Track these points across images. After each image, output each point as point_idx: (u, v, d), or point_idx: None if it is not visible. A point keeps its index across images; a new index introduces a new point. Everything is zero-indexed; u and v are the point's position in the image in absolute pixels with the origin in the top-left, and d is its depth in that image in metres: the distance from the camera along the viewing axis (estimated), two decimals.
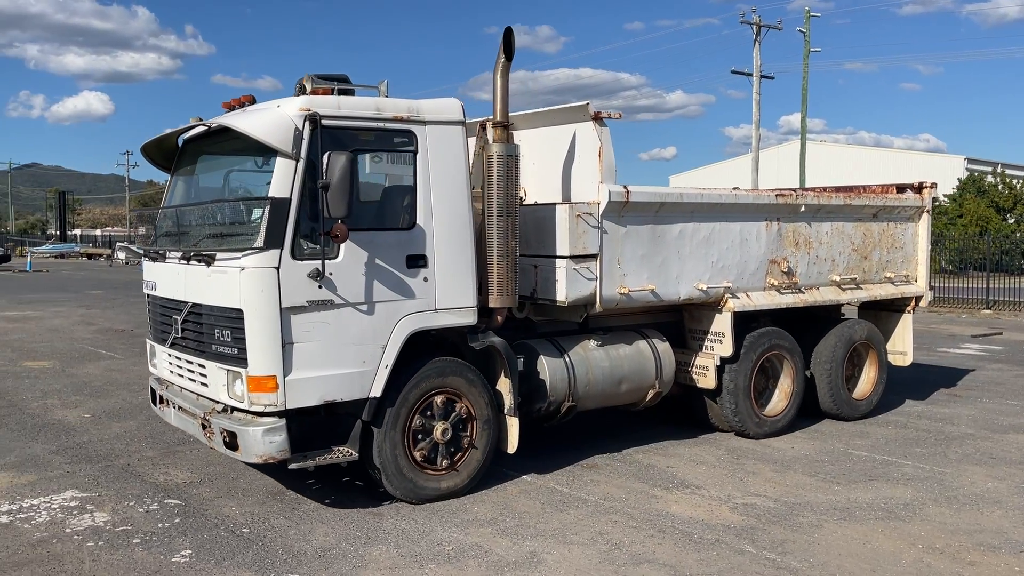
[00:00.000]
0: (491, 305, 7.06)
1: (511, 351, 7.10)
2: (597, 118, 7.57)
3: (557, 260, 7.46)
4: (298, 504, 6.81)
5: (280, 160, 5.99)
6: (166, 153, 7.64)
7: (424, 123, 6.60)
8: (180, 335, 6.78)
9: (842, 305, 10.09)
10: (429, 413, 6.71)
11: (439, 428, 6.72)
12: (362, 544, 6.01)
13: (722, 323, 8.56)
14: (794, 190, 9.15)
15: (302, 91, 6.33)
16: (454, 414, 6.81)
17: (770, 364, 9.17)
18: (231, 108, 6.93)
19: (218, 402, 6.42)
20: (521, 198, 8.51)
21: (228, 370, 6.17)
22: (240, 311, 6.01)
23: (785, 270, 9.01)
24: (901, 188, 10.44)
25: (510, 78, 7.25)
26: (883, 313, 10.65)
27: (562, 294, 7.45)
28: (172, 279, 6.92)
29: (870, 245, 9.86)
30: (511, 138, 7.13)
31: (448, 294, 6.70)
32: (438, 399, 6.73)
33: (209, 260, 6.29)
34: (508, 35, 6.93)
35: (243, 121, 6.15)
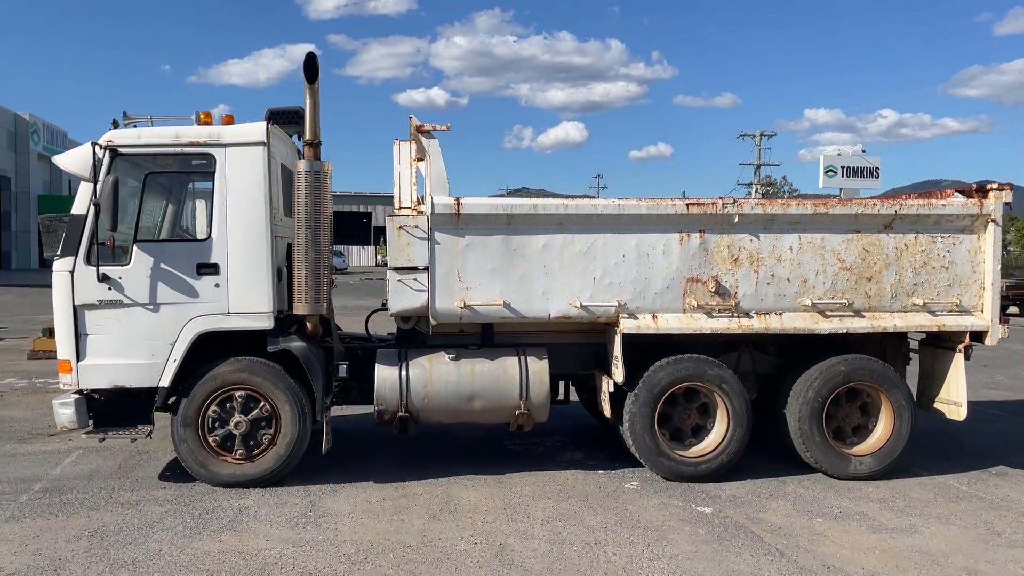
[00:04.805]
0: (296, 312, 7.54)
1: (311, 357, 7.45)
2: (421, 131, 7.57)
3: (388, 272, 7.63)
4: None
5: (83, 183, 7.26)
6: None
7: (224, 146, 7.34)
8: None
9: (904, 335, 8.42)
10: (228, 406, 7.41)
11: (234, 421, 7.38)
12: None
13: (615, 346, 7.78)
14: (723, 197, 7.77)
15: (115, 125, 7.53)
16: (252, 409, 7.40)
17: (707, 398, 7.98)
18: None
19: None
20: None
21: None
22: None
23: (713, 290, 7.80)
24: (962, 192, 8.21)
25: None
26: (939, 351, 8.43)
27: (389, 305, 7.60)
28: None
29: (877, 263, 7.94)
30: (319, 155, 7.49)
31: (241, 300, 7.34)
32: (236, 394, 7.40)
33: None
34: (307, 61, 7.29)
35: (61, 156, 7.52)
